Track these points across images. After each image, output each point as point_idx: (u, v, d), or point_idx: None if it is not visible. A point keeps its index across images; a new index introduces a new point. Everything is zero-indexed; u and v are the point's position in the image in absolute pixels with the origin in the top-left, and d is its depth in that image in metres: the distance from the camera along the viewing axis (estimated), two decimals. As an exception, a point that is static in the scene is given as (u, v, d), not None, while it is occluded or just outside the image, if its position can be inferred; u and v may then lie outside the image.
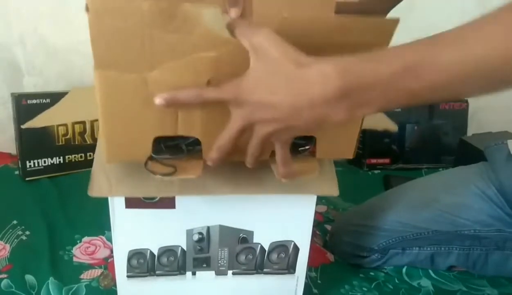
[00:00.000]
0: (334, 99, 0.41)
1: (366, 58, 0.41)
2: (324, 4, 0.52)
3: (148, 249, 0.60)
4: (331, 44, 0.45)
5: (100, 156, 0.56)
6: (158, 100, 0.45)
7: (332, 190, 0.59)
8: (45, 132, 1.02)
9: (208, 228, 0.60)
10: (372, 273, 0.82)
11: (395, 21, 0.45)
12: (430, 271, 0.83)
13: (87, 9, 0.41)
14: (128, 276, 0.62)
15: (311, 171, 0.56)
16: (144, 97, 0.46)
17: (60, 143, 1.04)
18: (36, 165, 1.03)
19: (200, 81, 0.46)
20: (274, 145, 0.49)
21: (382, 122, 0.79)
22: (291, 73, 0.42)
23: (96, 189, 0.53)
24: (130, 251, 0.60)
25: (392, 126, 0.73)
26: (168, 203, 0.57)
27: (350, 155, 0.56)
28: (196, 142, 0.51)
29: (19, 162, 1.02)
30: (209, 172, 0.56)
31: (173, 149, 0.53)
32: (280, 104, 0.43)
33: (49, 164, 1.04)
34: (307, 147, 0.57)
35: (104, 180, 0.54)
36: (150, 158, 0.51)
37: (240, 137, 0.47)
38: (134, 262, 0.61)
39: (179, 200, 0.58)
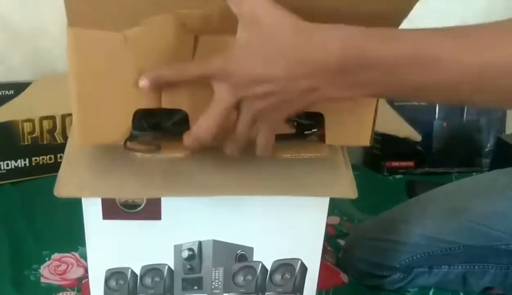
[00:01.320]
0: (332, 72, 0.43)
1: (373, 35, 0.43)
2: None
3: (129, 268, 0.60)
4: (338, 15, 0.44)
5: (70, 150, 0.55)
6: (141, 83, 0.47)
7: (349, 191, 0.57)
8: (8, 130, 1.02)
9: (200, 243, 0.60)
10: (393, 297, 0.82)
11: None
12: (462, 294, 0.84)
13: None
14: (105, 300, 0.62)
15: (318, 151, 0.56)
16: (123, 59, 0.47)
17: (26, 142, 1.04)
18: (-2, 168, 1.03)
19: (186, 39, 0.47)
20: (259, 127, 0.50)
21: (403, 130, 0.79)
22: (288, 39, 0.43)
23: (63, 188, 0.53)
24: (107, 270, 0.60)
25: (415, 135, 0.73)
26: (152, 212, 0.57)
27: (366, 142, 0.56)
28: (184, 120, 0.51)
29: (-22, 166, 1.02)
30: (199, 168, 0.55)
31: (155, 127, 0.53)
32: (274, 76, 0.44)
33: (13, 167, 1.04)
34: (314, 130, 0.57)
35: (74, 178, 0.53)
36: (130, 136, 0.51)
37: (226, 118, 0.47)
38: (112, 283, 0.61)
39: (165, 209, 0.58)
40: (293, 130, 0.56)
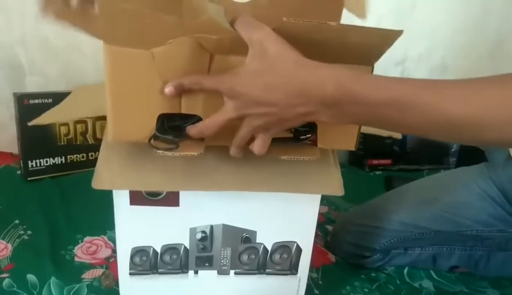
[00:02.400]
0: (326, 104, 0.44)
1: (362, 79, 0.44)
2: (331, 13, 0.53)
3: (151, 246, 0.60)
4: (331, 44, 0.46)
5: (105, 150, 0.56)
6: (167, 90, 0.48)
7: (337, 189, 0.59)
8: (47, 132, 1.02)
9: (212, 226, 0.60)
10: (373, 274, 0.82)
11: (399, 31, 0.46)
12: (432, 272, 0.84)
13: None
14: (130, 274, 0.62)
15: (311, 154, 0.56)
16: (151, 72, 0.48)
17: (62, 143, 1.04)
18: (38, 164, 1.03)
19: (203, 57, 0.48)
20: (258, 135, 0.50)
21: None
22: (290, 73, 0.44)
23: (99, 182, 0.54)
24: (133, 248, 0.60)
25: (397, 134, 0.74)
26: (172, 200, 0.58)
27: (352, 147, 0.57)
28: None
29: (21, 162, 1.02)
30: (213, 167, 0.56)
31: (176, 129, 0.53)
32: (275, 100, 0.45)
33: (51, 163, 1.04)
34: (308, 135, 0.57)
35: (107, 173, 0.54)
36: (154, 136, 0.52)
37: (228, 124, 0.48)
38: (137, 259, 0.61)
39: (183, 197, 0.58)
40: (290, 135, 0.57)
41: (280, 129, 0.49)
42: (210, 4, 0.44)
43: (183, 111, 0.51)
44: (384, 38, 0.47)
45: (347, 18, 0.53)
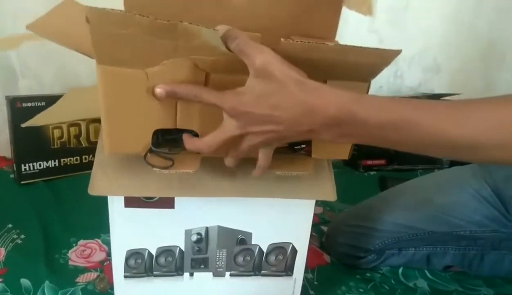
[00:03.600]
0: (328, 125, 0.46)
1: (363, 102, 0.46)
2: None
3: (146, 249, 0.60)
4: (329, 63, 0.47)
5: (100, 155, 0.56)
6: (158, 90, 0.47)
7: (329, 194, 0.59)
8: (40, 135, 1.01)
9: (207, 228, 0.60)
10: (368, 274, 0.82)
11: (397, 51, 0.47)
12: (426, 272, 0.84)
13: (87, 20, 0.42)
14: (125, 277, 0.61)
15: (304, 168, 0.57)
16: (145, 90, 0.48)
17: (56, 146, 1.03)
18: (31, 168, 1.02)
19: (199, 76, 0.48)
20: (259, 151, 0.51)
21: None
22: (296, 94, 0.45)
23: (96, 188, 0.53)
24: (128, 251, 0.60)
25: None
26: (167, 202, 0.57)
27: (345, 156, 0.58)
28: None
29: (14, 165, 1.01)
30: (209, 174, 0.56)
31: (171, 143, 0.53)
32: (279, 119, 0.46)
33: (45, 167, 1.03)
34: (303, 146, 0.57)
35: (104, 179, 0.54)
36: (150, 151, 0.52)
37: (228, 142, 0.49)
38: (131, 262, 0.60)
39: (178, 200, 0.58)
40: (285, 145, 0.57)
41: (281, 144, 0.51)
42: (205, 29, 0.44)
43: (179, 126, 0.51)
44: (382, 58, 0.48)
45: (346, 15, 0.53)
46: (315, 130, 0.47)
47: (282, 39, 0.45)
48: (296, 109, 0.45)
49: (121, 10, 0.43)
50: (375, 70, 0.50)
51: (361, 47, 0.47)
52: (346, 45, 0.47)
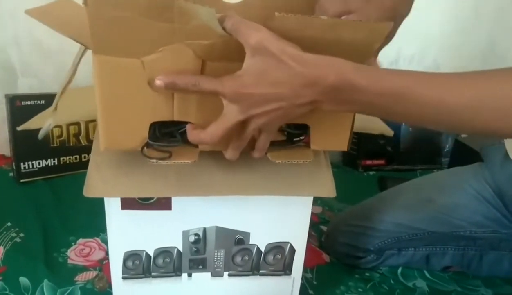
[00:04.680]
0: (328, 92, 0.46)
1: (362, 70, 0.46)
2: None
3: (143, 250, 0.60)
4: (323, 41, 0.46)
5: (96, 156, 0.55)
6: (158, 82, 0.46)
7: (328, 191, 0.58)
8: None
9: (205, 229, 0.60)
10: (367, 274, 0.82)
11: (388, 24, 0.46)
12: (425, 272, 0.84)
13: (85, 2, 0.42)
14: (123, 278, 0.61)
15: (305, 157, 0.56)
16: (141, 81, 0.47)
17: (55, 145, 1.03)
18: (31, 166, 1.02)
19: (195, 63, 0.47)
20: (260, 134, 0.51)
21: (378, 127, 0.79)
22: (295, 67, 0.44)
23: (91, 190, 0.53)
24: (125, 253, 0.59)
25: (388, 131, 0.74)
26: (164, 204, 0.57)
27: (344, 147, 0.57)
28: None
29: (13, 164, 1.01)
30: (206, 173, 0.56)
31: (168, 136, 0.53)
32: (282, 95, 0.45)
33: (44, 165, 1.03)
34: (301, 137, 0.57)
35: (99, 180, 0.53)
36: (147, 145, 0.51)
37: (232, 130, 0.48)
38: (129, 263, 0.60)
39: (175, 201, 0.57)
40: (284, 138, 0.56)
41: (284, 122, 0.50)
42: (201, 7, 0.43)
43: (176, 118, 0.50)
44: (374, 32, 0.47)
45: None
46: (317, 100, 0.46)
47: (276, 13, 0.44)
48: (296, 83, 0.45)
49: None
50: (369, 48, 0.48)
51: (353, 20, 0.47)
52: (338, 19, 0.47)
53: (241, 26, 0.44)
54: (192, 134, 0.50)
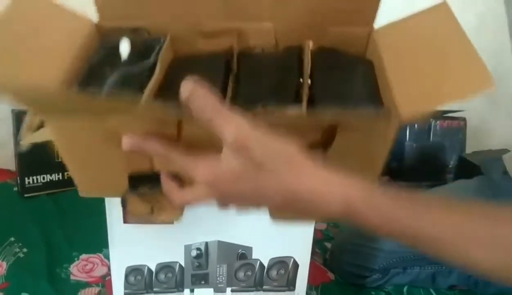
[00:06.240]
0: (322, 218, 0.43)
1: (371, 204, 0.39)
2: None
3: (145, 265, 0.59)
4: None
5: None
6: (124, 140, 0.39)
7: None
8: (44, 149, 1.00)
9: (207, 243, 0.59)
10: (373, 293, 0.81)
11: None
12: (432, 291, 0.82)
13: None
14: (125, 293, 0.61)
15: None
16: (104, 137, 0.41)
17: (60, 159, 1.03)
18: (35, 181, 1.02)
19: (169, 125, 0.41)
20: None
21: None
22: (285, 178, 0.37)
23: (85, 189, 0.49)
24: (127, 268, 0.59)
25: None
26: (166, 217, 0.57)
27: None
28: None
29: (18, 179, 1.01)
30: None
31: (151, 181, 0.46)
32: (267, 201, 0.39)
33: (48, 180, 1.03)
34: None
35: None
36: (128, 193, 0.47)
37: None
38: (131, 278, 0.60)
39: (177, 214, 0.57)
40: None
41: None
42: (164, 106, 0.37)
43: (157, 169, 0.44)
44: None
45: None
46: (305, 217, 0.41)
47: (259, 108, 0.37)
48: (282, 198, 0.37)
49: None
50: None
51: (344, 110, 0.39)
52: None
53: (207, 110, 0.35)
54: (174, 195, 0.43)
